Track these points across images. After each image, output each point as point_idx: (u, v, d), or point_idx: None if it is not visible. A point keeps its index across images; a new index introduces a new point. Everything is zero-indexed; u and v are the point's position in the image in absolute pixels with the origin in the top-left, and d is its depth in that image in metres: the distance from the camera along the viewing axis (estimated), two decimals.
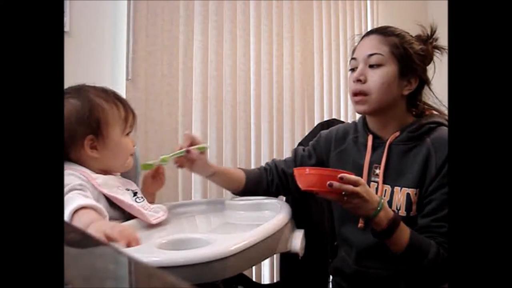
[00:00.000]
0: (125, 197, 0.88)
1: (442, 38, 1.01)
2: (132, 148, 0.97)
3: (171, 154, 1.03)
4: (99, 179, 0.87)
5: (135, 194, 0.92)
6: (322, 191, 0.84)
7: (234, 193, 1.16)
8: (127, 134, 0.95)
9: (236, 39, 1.81)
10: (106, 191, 0.86)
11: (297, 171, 0.88)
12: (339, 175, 0.82)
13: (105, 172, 0.92)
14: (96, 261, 0.38)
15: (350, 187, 0.82)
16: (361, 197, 0.83)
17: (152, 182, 1.06)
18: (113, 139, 0.91)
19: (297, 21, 2.08)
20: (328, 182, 0.81)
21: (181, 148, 1.03)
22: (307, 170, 0.88)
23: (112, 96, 0.93)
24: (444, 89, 1.05)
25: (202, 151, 1.05)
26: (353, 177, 0.83)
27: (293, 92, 2.05)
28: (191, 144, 1.04)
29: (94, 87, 0.93)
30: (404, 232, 0.88)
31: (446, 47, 1.02)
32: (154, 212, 0.91)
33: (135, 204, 0.88)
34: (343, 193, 0.83)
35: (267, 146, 1.94)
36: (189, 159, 1.04)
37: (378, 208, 0.85)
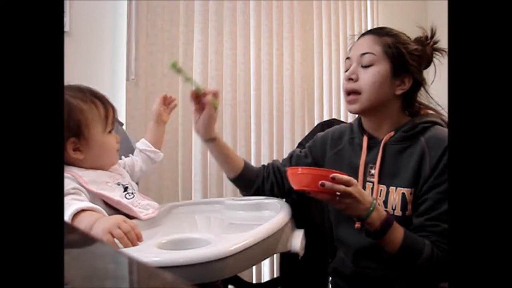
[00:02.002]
0: (113, 193, 0.88)
1: (442, 38, 1.01)
2: (116, 144, 0.96)
3: (197, 84, 1.04)
4: (87, 176, 0.86)
5: (125, 189, 0.92)
6: (314, 190, 0.84)
7: (229, 177, 1.16)
8: (110, 132, 0.94)
9: (236, 39, 1.81)
10: (94, 188, 0.85)
11: (290, 171, 0.88)
12: (331, 175, 0.82)
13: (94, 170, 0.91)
14: (96, 261, 0.38)
15: (342, 187, 0.82)
16: (353, 198, 0.83)
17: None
18: (96, 139, 0.90)
19: (297, 21, 2.08)
20: (320, 182, 0.81)
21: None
22: (300, 169, 0.87)
23: (88, 95, 0.91)
24: (445, 92, 1.05)
25: (215, 107, 1.05)
26: (345, 177, 0.83)
27: (293, 92, 2.05)
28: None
29: (70, 87, 0.91)
30: (398, 232, 0.88)
31: (447, 49, 1.01)
32: (143, 209, 0.91)
33: (123, 200, 0.88)
34: (337, 193, 0.83)
35: (267, 146, 1.94)
36: (200, 103, 1.04)
37: (371, 209, 0.85)
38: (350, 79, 0.98)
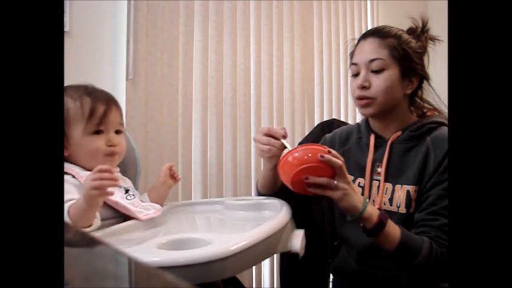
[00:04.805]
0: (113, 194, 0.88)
1: (443, 38, 1.02)
2: (105, 148, 0.89)
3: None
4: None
5: (126, 191, 0.92)
6: (312, 166, 0.84)
7: (267, 193, 1.12)
8: (97, 133, 0.88)
9: (236, 39, 1.81)
10: None
11: (282, 158, 0.88)
12: (326, 149, 0.84)
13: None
14: (96, 261, 0.38)
15: (339, 162, 0.83)
16: (347, 182, 0.85)
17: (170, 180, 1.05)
18: (73, 139, 0.87)
19: (297, 21, 2.08)
20: (320, 154, 0.82)
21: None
22: (290, 155, 0.87)
23: (83, 93, 0.89)
24: (437, 77, 1.07)
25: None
26: (337, 155, 0.85)
27: (293, 92, 2.05)
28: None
29: (78, 86, 0.91)
30: (395, 229, 0.89)
31: (440, 37, 1.05)
32: (144, 209, 0.90)
33: (122, 201, 0.88)
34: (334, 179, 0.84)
35: None
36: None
37: (364, 205, 0.86)
38: (363, 87, 0.99)
